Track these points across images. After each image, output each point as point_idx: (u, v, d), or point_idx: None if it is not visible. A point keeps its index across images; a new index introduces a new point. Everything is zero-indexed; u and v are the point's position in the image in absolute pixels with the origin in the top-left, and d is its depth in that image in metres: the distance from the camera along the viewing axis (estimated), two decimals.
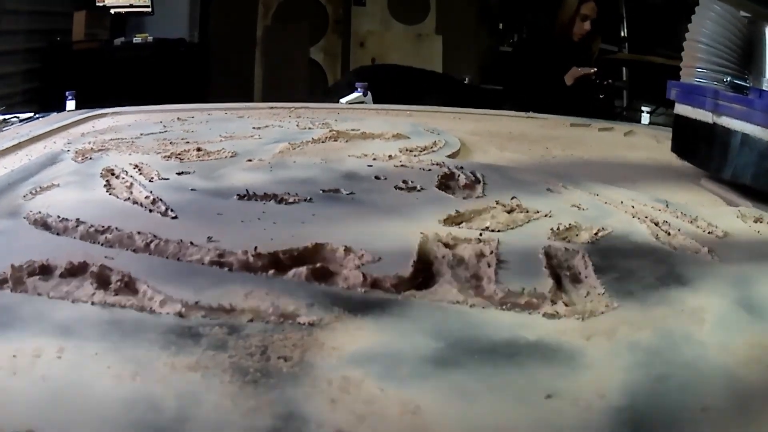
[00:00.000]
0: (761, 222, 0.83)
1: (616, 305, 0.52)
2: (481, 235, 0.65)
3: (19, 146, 1.23)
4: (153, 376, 0.39)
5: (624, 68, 4.57)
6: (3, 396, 0.39)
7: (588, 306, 0.51)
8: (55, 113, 1.87)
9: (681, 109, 1.13)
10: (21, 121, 1.70)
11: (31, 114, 1.82)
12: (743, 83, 0.99)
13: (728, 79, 0.99)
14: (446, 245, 0.61)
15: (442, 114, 1.88)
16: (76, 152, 1.13)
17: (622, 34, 4.49)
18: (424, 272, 0.55)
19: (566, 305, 0.51)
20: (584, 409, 0.37)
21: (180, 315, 0.46)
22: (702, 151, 1.08)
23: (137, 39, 4.16)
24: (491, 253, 0.59)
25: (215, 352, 0.42)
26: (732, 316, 0.54)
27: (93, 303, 0.49)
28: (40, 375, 0.40)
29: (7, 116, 1.74)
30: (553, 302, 0.51)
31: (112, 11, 4.61)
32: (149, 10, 4.60)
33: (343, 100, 2.21)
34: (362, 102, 2.19)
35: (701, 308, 0.55)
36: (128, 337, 0.44)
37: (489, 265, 0.56)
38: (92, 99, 2.22)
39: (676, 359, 0.46)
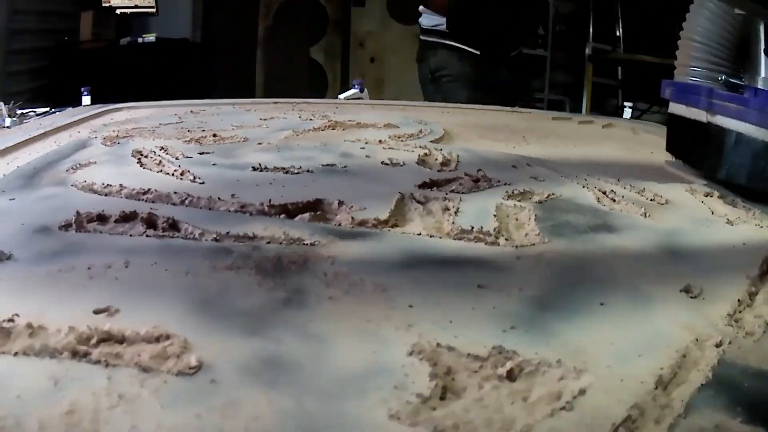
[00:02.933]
0: (710, 197, 0.93)
1: (547, 240, 0.68)
2: (447, 195, 0.81)
3: (45, 135, 1.35)
4: (200, 272, 0.55)
5: (619, 67, 4.68)
6: (83, 291, 0.54)
7: (523, 240, 0.67)
8: (70, 108, 1.97)
9: (675, 108, 1.12)
10: (38, 115, 1.83)
11: (47, 108, 1.94)
12: (738, 82, 0.98)
13: (723, 77, 1.00)
14: (418, 201, 0.77)
15: (433, 108, 2.04)
16: (104, 138, 1.27)
17: (617, 33, 4.62)
18: (398, 218, 0.72)
19: (506, 240, 0.67)
20: (505, 295, 0.53)
21: (216, 240, 0.62)
22: (696, 151, 1.08)
23: (150, 38, 4.28)
24: (453, 207, 0.75)
25: (244, 259, 0.58)
26: (649, 253, 0.68)
27: (147, 236, 0.66)
28: (114, 277, 0.56)
29: (24, 110, 1.87)
30: (496, 237, 0.67)
31: (118, 12, 4.73)
32: (154, 10, 4.72)
33: (341, 96, 2.37)
34: (359, 98, 2.36)
35: (622, 247, 0.70)
36: (178, 253, 0.60)
37: (450, 214, 0.72)
38: (99, 97, 2.32)
39: (588, 274, 0.61)
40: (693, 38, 1.04)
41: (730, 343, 0.50)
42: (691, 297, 0.59)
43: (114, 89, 3.22)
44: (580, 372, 0.42)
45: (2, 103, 1.69)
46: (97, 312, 0.49)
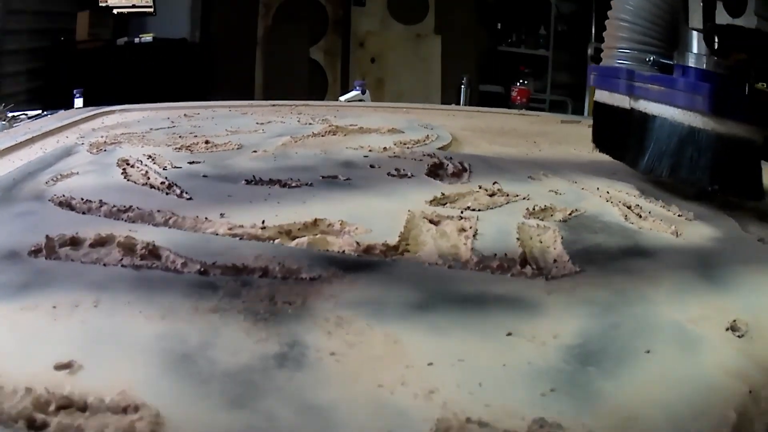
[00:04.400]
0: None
1: (579, 269, 0.60)
2: (462, 213, 0.73)
3: (32, 140, 1.29)
4: (179, 316, 0.46)
5: None
6: (45, 337, 0.46)
7: (553, 270, 0.59)
8: (62, 110, 1.91)
9: (599, 95, 1.02)
10: (29, 118, 1.76)
11: (39, 111, 1.88)
12: (668, 62, 0.89)
13: (651, 58, 0.91)
14: (431, 221, 0.69)
15: (438, 111, 1.96)
16: (90, 145, 1.20)
17: None
18: (409, 242, 0.63)
19: (533, 269, 0.58)
20: (539, 344, 0.45)
21: (200, 272, 0.54)
22: (618, 141, 0.99)
23: (147, 38, 4.22)
24: (470, 228, 0.67)
25: (231, 299, 0.49)
26: (688, 283, 0.61)
27: (122, 266, 0.57)
28: (80, 320, 0.48)
29: (16, 113, 1.80)
30: (522, 266, 0.58)
31: (115, 11, 4.67)
32: (151, 10, 4.66)
33: (342, 98, 2.29)
34: (361, 100, 2.28)
35: (659, 275, 0.62)
36: (156, 289, 0.51)
37: (467, 237, 0.64)
38: (96, 98, 2.27)
39: (629, 312, 0.53)
40: (620, 17, 0.94)
41: None
42: (739, 336, 0.52)
43: (111, 90, 3.15)
44: None
45: None
46: (58, 368, 0.41)
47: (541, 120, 1.95)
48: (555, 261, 0.61)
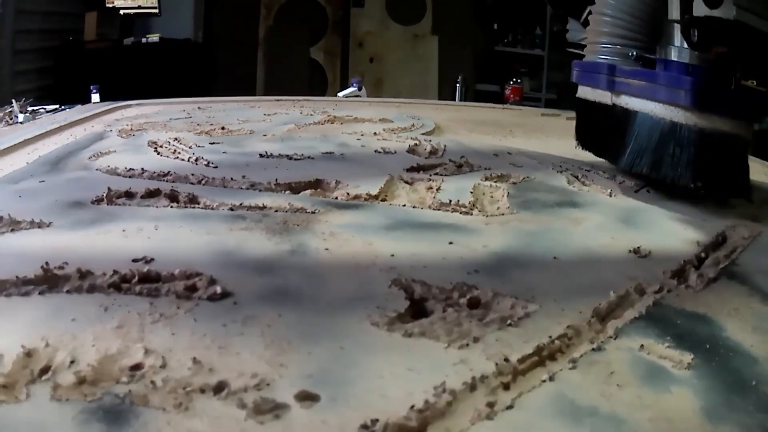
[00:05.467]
0: None
1: (516, 212, 0.79)
2: (431, 177, 0.92)
3: (60, 129, 1.43)
4: (219, 232, 0.66)
5: None
6: (120, 249, 0.64)
7: (494, 212, 0.78)
8: (80, 105, 2.04)
9: (582, 91, 1.02)
10: (48, 111, 1.90)
11: (57, 106, 2.01)
12: (650, 56, 0.88)
13: (634, 52, 0.90)
14: (406, 182, 0.88)
15: (427, 105, 2.15)
16: (119, 131, 1.37)
17: None
18: (387, 195, 0.83)
19: (479, 212, 0.78)
20: (471, 250, 0.64)
21: (231, 209, 0.73)
22: (600, 137, 0.98)
23: (154, 38, 4.37)
24: (436, 186, 0.86)
25: (255, 222, 0.69)
26: (606, 223, 0.77)
27: (171, 207, 0.76)
28: (146, 236, 0.67)
29: (35, 108, 1.95)
30: (471, 209, 0.78)
31: (122, 12, 4.81)
32: (156, 11, 4.80)
33: (340, 94, 2.48)
34: (357, 95, 2.46)
35: (582, 218, 0.80)
36: (199, 219, 0.71)
37: (432, 192, 0.83)
38: (104, 96, 2.39)
39: (547, 236, 0.71)
40: (604, 12, 0.93)
41: (669, 291, 0.60)
42: (640, 257, 0.68)
43: (118, 88, 3.31)
44: (528, 302, 0.53)
45: (14, 101, 1.78)
46: (135, 261, 0.60)
47: (523, 113, 2.11)
48: (498, 208, 0.80)
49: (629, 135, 0.87)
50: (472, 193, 0.84)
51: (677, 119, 0.81)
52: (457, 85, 4.38)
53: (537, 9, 5.22)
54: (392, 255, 0.61)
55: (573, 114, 1.95)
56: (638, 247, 0.70)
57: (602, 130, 0.98)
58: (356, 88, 2.48)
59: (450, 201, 0.79)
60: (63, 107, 1.95)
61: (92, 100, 2.50)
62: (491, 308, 0.51)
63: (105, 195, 0.82)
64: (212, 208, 0.74)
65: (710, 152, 0.80)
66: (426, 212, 0.76)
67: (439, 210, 0.77)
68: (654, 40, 0.88)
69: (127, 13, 4.88)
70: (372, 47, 5.02)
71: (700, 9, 0.78)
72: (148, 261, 0.59)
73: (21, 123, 1.60)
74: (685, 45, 0.81)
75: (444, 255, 0.62)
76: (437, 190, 0.84)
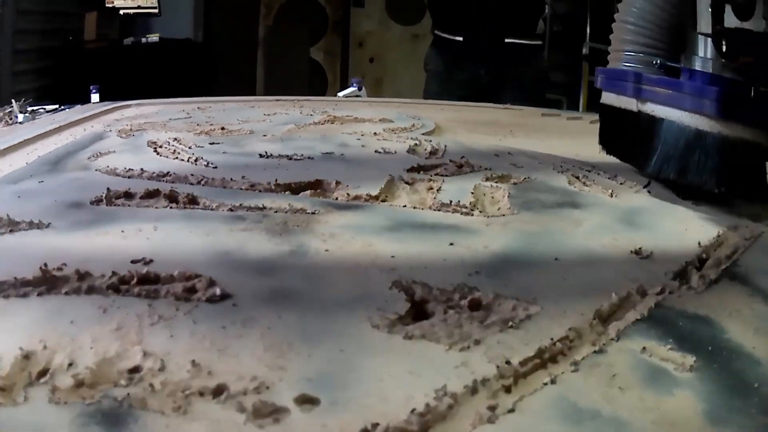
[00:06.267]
0: None
1: (516, 212, 0.79)
2: (432, 177, 0.92)
3: (59, 129, 1.43)
4: (219, 233, 0.65)
5: None
6: (119, 250, 0.64)
7: (495, 212, 0.78)
8: (80, 105, 2.04)
9: (606, 97, 1.05)
10: (48, 112, 1.91)
11: (57, 106, 2.02)
12: (675, 65, 0.90)
13: (658, 60, 0.92)
14: (406, 182, 0.88)
15: (427, 105, 2.14)
16: (119, 131, 1.37)
17: None
18: (387, 195, 0.83)
19: (480, 212, 0.77)
20: (472, 251, 0.64)
21: (231, 210, 0.73)
22: (626, 143, 1.01)
23: (153, 38, 4.38)
24: (436, 187, 0.86)
25: (255, 223, 0.69)
26: (607, 224, 0.77)
27: (170, 208, 0.76)
28: (145, 237, 0.67)
29: (35, 107, 1.95)
30: (471, 210, 0.77)
31: (121, 12, 4.82)
32: (156, 11, 4.81)
33: (340, 94, 2.48)
34: (357, 95, 2.46)
35: (583, 219, 0.80)
36: (199, 220, 0.70)
37: (433, 192, 0.83)
38: (104, 96, 2.39)
39: (548, 237, 0.71)
40: (627, 20, 0.95)
41: (671, 293, 0.59)
42: (641, 258, 0.68)
43: (118, 88, 3.32)
44: (529, 304, 0.52)
45: (13, 101, 1.78)
46: (134, 261, 0.59)
47: (523, 113, 2.09)
48: (499, 209, 0.80)
49: (656, 142, 0.89)
50: (472, 193, 0.84)
51: (702, 127, 0.83)
52: None
53: (536, 8, 5.24)
54: (393, 256, 0.60)
55: (574, 115, 1.97)
56: (639, 248, 0.70)
57: (627, 137, 0.98)
58: (356, 88, 2.48)
59: (451, 202, 0.79)
60: (63, 107, 1.95)
61: (92, 100, 2.50)
62: (492, 310, 0.51)
63: (104, 195, 0.82)
64: (212, 209, 0.74)
65: (733, 159, 0.82)
66: (427, 213, 0.76)
67: (439, 211, 0.77)
68: (677, 49, 0.91)
69: (127, 13, 4.89)
70: (372, 47, 5.03)
71: (730, 20, 0.82)
72: (147, 262, 0.59)
73: (21, 123, 1.60)
74: (710, 55, 0.85)
75: (445, 256, 0.61)
76: (438, 190, 0.84)
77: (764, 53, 0.82)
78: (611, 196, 0.92)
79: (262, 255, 0.60)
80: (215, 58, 4.80)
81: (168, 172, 0.92)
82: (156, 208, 0.76)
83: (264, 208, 0.74)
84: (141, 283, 0.55)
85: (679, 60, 0.90)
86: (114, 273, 0.56)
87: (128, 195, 0.83)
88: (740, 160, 0.83)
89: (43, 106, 1.96)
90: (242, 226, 0.68)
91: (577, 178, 1.02)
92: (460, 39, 2.35)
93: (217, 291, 0.51)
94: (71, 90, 3.31)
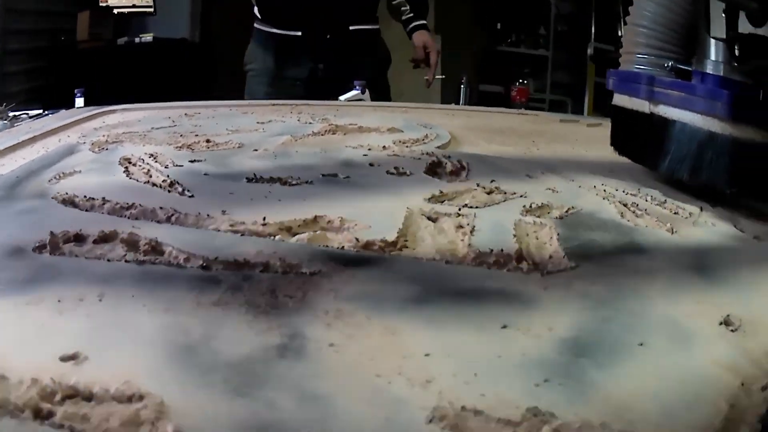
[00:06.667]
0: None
1: (574, 265, 0.61)
2: (460, 210, 0.74)
3: (33, 140, 1.29)
4: (182, 309, 0.48)
5: None
6: (51, 330, 0.47)
7: (549, 266, 0.60)
8: (64, 110, 1.91)
9: (618, 99, 1.05)
10: (31, 117, 1.77)
11: (40, 111, 1.88)
12: (686, 68, 0.92)
13: (669, 63, 0.94)
14: (429, 218, 0.70)
15: (436, 110, 1.97)
16: (92, 144, 1.20)
17: (619, 33, 4.57)
18: (408, 239, 0.64)
19: (529, 265, 0.60)
20: (533, 337, 0.46)
21: (203, 267, 0.55)
22: (638, 144, 1.01)
23: (148, 38, 4.24)
24: (468, 224, 0.68)
25: (233, 292, 0.51)
26: (682, 279, 0.62)
27: (126, 261, 0.58)
28: (85, 313, 0.49)
29: (17, 113, 1.81)
30: (518, 262, 0.60)
31: (115, 11, 4.69)
32: (152, 10, 4.67)
33: (342, 98, 2.30)
34: (360, 100, 2.28)
35: (654, 271, 0.63)
36: (159, 283, 0.52)
37: (464, 233, 0.65)
38: (97, 97, 2.27)
39: (623, 306, 0.54)
40: (639, 23, 0.96)
41: None
42: (732, 330, 0.53)
43: (112, 89, 3.17)
44: None
45: None
46: (63, 359, 0.42)
47: (540, 119, 1.96)
48: (551, 257, 0.62)
49: (668, 143, 0.90)
50: (515, 235, 0.66)
51: (714, 129, 0.83)
52: (461, 86, 4.25)
53: (540, 8, 5.09)
54: (427, 354, 0.42)
55: (593, 121, 1.83)
56: (728, 316, 0.54)
57: (640, 138, 0.98)
58: (359, 92, 2.30)
59: (491, 250, 0.60)
60: (46, 113, 1.83)
61: (76, 105, 2.33)
62: None
63: (49, 241, 0.64)
64: (178, 264, 0.56)
65: (744, 160, 0.82)
66: (463, 269, 0.58)
67: (478, 264, 0.59)
68: (688, 52, 0.92)
69: (122, 12, 4.76)
70: None
71: (744, 26, 0.83)
72: (79, 361, 0.41)
73: None
74: (721, 59, 0.86)
75: (499, 350, 0.43)
76: (471, 231, 0.66)
77: None
78: (671, 233, 0.76)
79: (238, 355, 0.42)
80: (212, 58, 4.66)
81: (133, 204, 0.75)
82: (108, 260, 0.59)
83: (247, 263, 0.56)
84: (67, 399, 0.38)
85: (691, 63, 0.91)
86: (34, 381, 0.39)
87: (79, 238, 0.66)
88: (751, 161, 0.83)
89: (26, 112, 1.85)
90: (215, 295, 0.50)
91: (626, 206, 0.85)
92: (299, 33, 2.23)
93: (169, 429, 0.33)
94: (63, 92, 3.15)
